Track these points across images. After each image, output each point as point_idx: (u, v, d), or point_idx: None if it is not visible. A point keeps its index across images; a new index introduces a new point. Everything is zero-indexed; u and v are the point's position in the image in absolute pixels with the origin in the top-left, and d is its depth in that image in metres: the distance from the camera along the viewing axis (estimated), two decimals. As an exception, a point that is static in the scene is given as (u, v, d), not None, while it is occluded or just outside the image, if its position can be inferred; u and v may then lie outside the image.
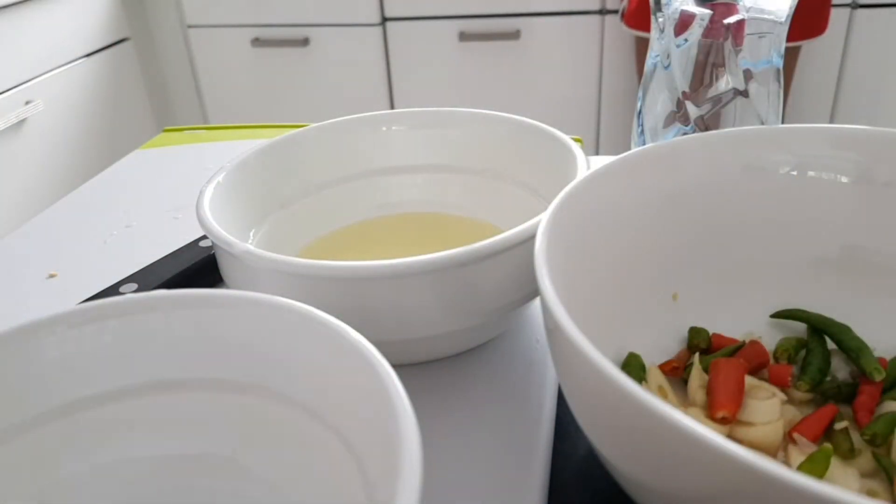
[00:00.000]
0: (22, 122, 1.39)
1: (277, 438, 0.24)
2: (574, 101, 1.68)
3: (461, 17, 1.62)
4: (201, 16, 1.72)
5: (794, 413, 0.28)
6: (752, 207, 0.33)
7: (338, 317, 0.22)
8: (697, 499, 0.18)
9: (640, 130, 0.42)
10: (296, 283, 0.29)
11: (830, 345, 0.31)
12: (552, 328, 0.23)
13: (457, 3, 1.60)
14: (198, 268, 0.40)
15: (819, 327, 0.31)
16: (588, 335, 0.20)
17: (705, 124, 0.39)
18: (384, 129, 0.44)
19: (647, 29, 0.42)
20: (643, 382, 0.29)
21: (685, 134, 0.40)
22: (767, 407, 0.27)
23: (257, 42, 1.71)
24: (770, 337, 0.32)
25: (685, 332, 0.32)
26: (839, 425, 0.27)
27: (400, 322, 0.29)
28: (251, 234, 0.39)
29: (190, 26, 1.75)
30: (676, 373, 0.30)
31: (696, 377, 0.29)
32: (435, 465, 0.28)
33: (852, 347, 0.29)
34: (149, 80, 1.82)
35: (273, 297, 0.23)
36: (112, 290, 0.38)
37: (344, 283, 0.28)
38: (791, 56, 1.34)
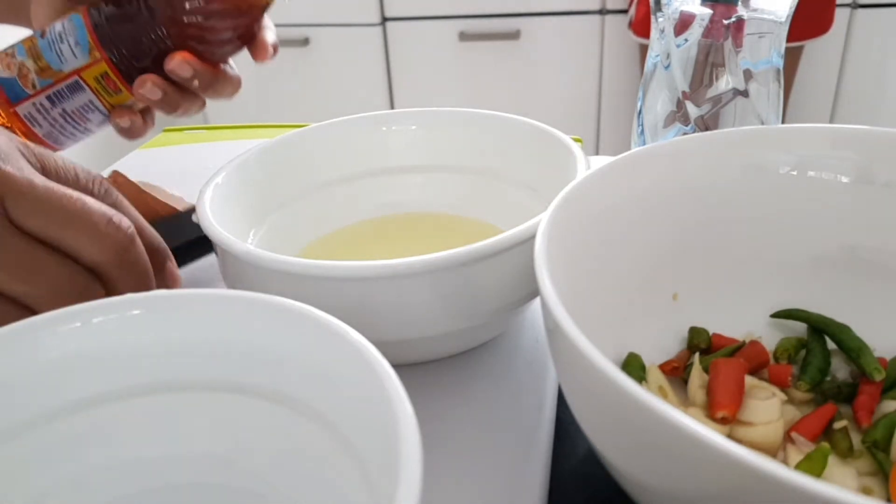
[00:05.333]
0: (22, 122, 1.38)
1: (277, 438, 0.24)
2: (574, 101, 1.68)
3: (461, 17, 1.62)
4: (201, 16, 1.72)
5: (793, 413, 0.28)
6: (752, 207, 0.33)
7: (338, 317, 0.22)
8: (697, 499, 0.18)
9: (640, 130, 0.42)
10: (296, 283, 0.29)
11: (830, 345, 0.31)
12: (552, 328, 0.23)
13: (457, 3, 1.60)
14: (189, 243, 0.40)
15: (819, 327, 0.31)
16: (588, 335, 0.20)
17: (705, 124, 0.39)
18: (384, 129, 0.43)
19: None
20: (643, 382, 0.29)
21: (685, 134, 0.40)
22: (767, 407, 0.27)
23: (257, 42, 1.71)
24: (770, 337, 0.32)
25: (685, 332, 0.32)
26: (838, 424, 0.27)
27: (400, 322, 0.29)
28: (251, 234, 0.39)
29: (190, 26, 1.74)
30: (676, 373, 0.30)
31: (696, 377, 0.29)
32: (435, 465, 0.28)
33: (852, 347, 0.29)
34: (149, 80, 1.81)
35: (273, 297, 0.23)
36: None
37: (344, 283, 0.28)
38: (793, 56, 1.34)
